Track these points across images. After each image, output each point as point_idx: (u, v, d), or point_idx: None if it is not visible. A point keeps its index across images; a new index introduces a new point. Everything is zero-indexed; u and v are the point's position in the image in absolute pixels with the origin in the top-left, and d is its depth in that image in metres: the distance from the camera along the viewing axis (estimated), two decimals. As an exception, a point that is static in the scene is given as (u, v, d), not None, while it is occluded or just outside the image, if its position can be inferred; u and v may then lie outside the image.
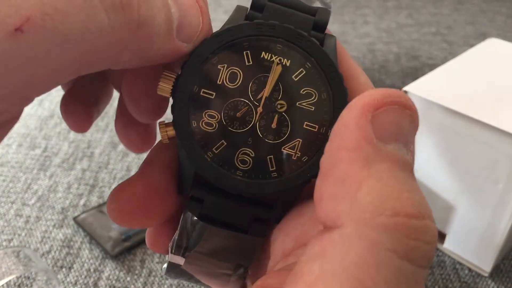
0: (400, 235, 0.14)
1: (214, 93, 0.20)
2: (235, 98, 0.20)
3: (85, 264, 0.47)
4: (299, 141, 0.20)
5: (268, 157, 0.21)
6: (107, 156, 0.63)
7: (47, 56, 0.15)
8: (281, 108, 0.20)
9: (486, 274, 0.48)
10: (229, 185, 0.20)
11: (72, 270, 0.47)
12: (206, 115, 0.20)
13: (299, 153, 0.20)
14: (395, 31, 1.03)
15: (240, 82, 0.21)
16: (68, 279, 0.46)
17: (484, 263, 0.47)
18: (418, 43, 0.98)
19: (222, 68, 0.20)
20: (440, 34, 1.03)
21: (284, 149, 0.21)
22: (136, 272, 0.47)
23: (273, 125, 0.20)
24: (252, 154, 0.21)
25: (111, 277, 0.46)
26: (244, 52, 0.20)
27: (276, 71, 0.20)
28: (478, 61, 0.53)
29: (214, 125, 0.20)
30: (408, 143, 0.15)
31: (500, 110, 0.44)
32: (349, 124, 0.15)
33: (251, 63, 0.20)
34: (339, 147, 0.15)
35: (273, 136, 0.21)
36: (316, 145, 0.20)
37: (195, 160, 0.20)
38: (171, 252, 0.21)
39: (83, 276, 0.46)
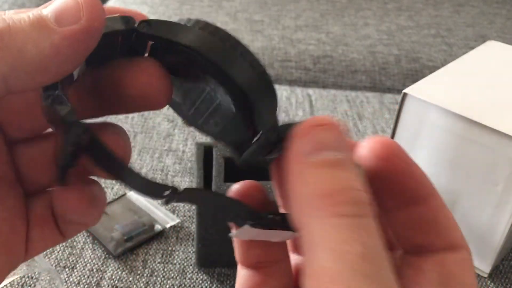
0: (341, 204, 0.17)
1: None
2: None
3: (88, 264, 0.48)
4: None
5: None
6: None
7: None
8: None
9: (486, 275, 0.48)
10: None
11: (75, 270, 0.47)
12: None
13: None
14: (396, 33, 1.03)
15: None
16: (71, 279, 0.46)
17: (484, 264, 0.48)
18: (418, 45, 0.98)
19: None
20: (440, 36, 1.03)
21: None
22: (138, 272, 0.47)
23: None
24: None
25: (113, 277, 0.47)
26: None
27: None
28: (478, 63, 0.54)
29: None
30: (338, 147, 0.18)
31: (499, 113, 0.44)
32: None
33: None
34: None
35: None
36: None
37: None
38: None
39: (85, 276, 0.47)
